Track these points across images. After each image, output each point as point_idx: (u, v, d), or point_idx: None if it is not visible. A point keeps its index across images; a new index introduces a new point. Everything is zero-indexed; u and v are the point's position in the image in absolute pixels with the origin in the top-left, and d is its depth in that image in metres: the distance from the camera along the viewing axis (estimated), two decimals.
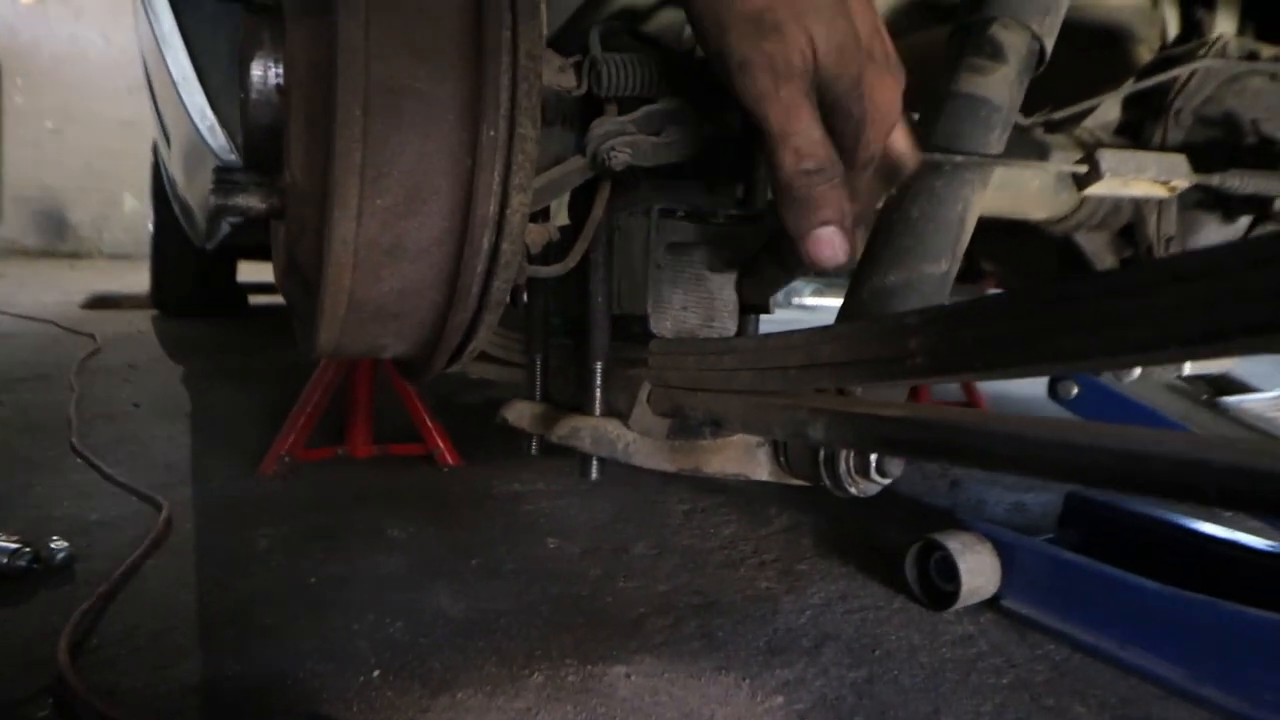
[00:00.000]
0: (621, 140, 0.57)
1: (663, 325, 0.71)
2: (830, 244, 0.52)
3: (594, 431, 0.68)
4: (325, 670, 1.01)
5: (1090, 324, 0.33)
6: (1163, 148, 1.18)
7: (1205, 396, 1.42)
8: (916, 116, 0.86)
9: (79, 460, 1.76)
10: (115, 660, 1.00)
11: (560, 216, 0.81)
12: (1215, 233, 1.22)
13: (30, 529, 1.30)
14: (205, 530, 1.43)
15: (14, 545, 1.19)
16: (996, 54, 0.77)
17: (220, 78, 1.22)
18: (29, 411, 2.16)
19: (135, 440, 1.96)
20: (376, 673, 1.01)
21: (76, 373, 2.60)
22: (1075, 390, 1.33)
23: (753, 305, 0.77)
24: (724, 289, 0.73)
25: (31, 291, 5.00)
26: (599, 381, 0.70)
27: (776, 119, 0.50)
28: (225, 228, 2.08)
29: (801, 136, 0.50)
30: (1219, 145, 1.17)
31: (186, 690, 0.95)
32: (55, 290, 5.15)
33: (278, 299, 4.49)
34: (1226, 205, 1.16)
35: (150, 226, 3.98)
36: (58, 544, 1.23)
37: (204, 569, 1.28)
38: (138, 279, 4.78)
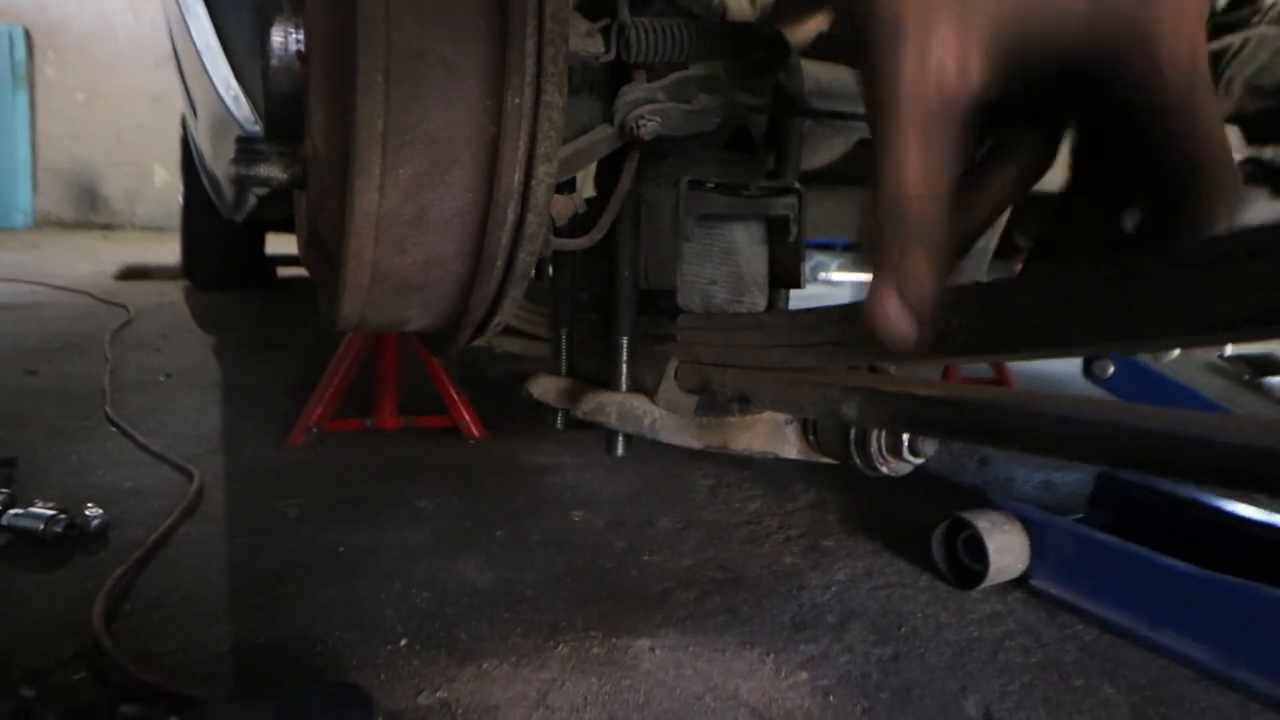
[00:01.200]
0: (651, 108, 0.55)
1: (691, 300, 0.70)
2: None
3: (620, 407, 0.67)
4: (353, 638, 1.02)
5: (1155, 302, 0.31)
6: None
7: (1247, 377, 1.38)
8: None
9: (113, 429, 1.79)
10: (148, 625, 1.02)
11: (586, 189, 0.79)
12: (1265, 208, 1.17)
13: (66, 496, 1.32)
14: (235, 499, 1.45)
15: (51, 512, 1.21)
16: None
17: (244, 47, 1.21)
18: (65, 381, 2.20)
19: (167, 410, 1.99)
20: (404, 641, 1.02)
21: (110, 343, 2.64)
22: (1111, 369, 1.29)
23: (782, 280, 0.75)
24: (754, 263, 0.72)
25: (67, 262, 5.08)
26: (625, 356, 0.69)
27: None
28: (253, 200, 2.08)
29: None
30: (1272, 116, 1.12)
31: (217, 656, 0.97)
32: (89, 261, 5.23)
33: (305, 272, 4.52)
34: (1278, 179, 1.12)
35: (180, 199, 4.02)
36: (93, 511, 1.26)
37: (234, 537, 1.30)
38: (169, 250, 4.84)
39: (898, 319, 0.36)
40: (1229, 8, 1.27)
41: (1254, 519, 1.25)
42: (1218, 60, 1.15)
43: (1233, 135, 0.90)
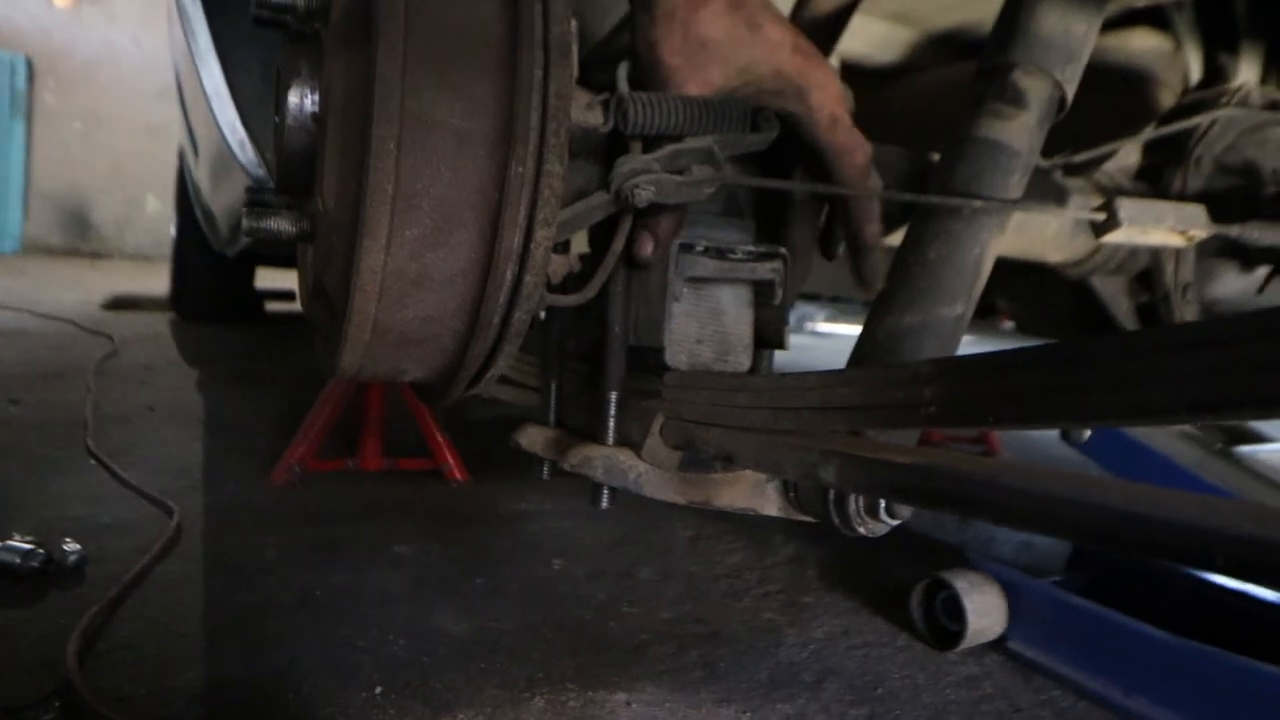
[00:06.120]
0: (645, 178, 0.58)
1: (678, 358, 0.72)
2: None
3: (606, 461, 0.68)
4: (328, 684, 1.01)
5: (1105, 385, 0.33)
6: (1182, 194, 1.18)
7: (1219, 445, 1.41)
8: (937, 158, 0.87)
9: (93, 462, 1.77)
10: (122, 665, 1.01)
11: (580, 245, 0.82)
12: (1233, 281, 1.22)
13: (44, 530, 1.31)
14: (215, 538, 1.44)
15: (28, 546, 1.20)
16: (1018, 100, 0.78)
17: (252, 94, 1.24)
18: (46, 411, 2.18)
19: (149, 443, 1.98)
20: (379, 689, 1.01)
21: (94, 374, 2.63)
22: (1087, 434, 1.32)
23: (766, 341, 0.78)
24: (740, 324, 0.74)
25: (53, 290, 5.07)
26: (613, 411, 0.71)
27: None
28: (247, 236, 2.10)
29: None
30: (1239, 194, 1.17)
31: (190, 698, 0.96)
32: (76, 289, 5.22)
33: (294, 306, 4.54)
34: (1245, 255, 1.16)
35: (172, 230, 4.03)
36: (70, 546, 1.25)
37: (212, 576, 1.29)
38: (157, 281, 4.84)
39: None
40: (1199, 86, 1.34)
41: (1229, 587, 1.27)
42: (1187, 138, 1.20)
43: (1199, 214, 0.94)
